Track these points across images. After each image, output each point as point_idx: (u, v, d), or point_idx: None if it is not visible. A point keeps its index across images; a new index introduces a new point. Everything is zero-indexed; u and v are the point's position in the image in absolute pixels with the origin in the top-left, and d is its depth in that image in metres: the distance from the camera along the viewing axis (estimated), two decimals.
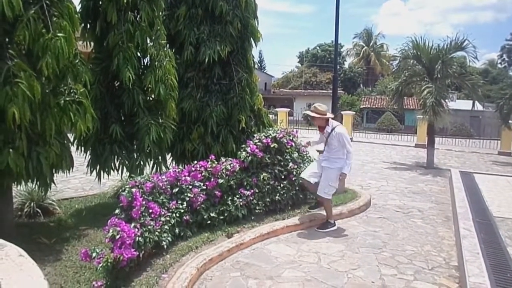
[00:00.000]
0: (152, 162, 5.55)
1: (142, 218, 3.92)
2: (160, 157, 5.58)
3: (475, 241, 4.62)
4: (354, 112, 26.64)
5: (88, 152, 5.38)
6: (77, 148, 5.25)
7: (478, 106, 14.32)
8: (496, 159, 15.70)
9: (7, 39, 3.75)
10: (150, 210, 4.10)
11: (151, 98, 5.44)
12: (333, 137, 5.39)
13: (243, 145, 5.80)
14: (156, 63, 5.15)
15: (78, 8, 4.71)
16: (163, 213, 4.29)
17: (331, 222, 5.57)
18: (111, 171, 5.50)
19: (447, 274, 4.24)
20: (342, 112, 23.12)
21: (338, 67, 9.14)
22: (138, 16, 5.15)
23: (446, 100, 12.29)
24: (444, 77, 12.10)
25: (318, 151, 7.56)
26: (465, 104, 24.15)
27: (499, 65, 57.09)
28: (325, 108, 5.53)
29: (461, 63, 13.40)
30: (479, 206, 6.57)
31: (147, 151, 5.17)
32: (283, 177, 5.84)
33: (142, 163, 5.36)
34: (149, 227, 3.92)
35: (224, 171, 5.22)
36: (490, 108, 26.12)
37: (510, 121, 15.06)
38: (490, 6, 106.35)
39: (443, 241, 5.31)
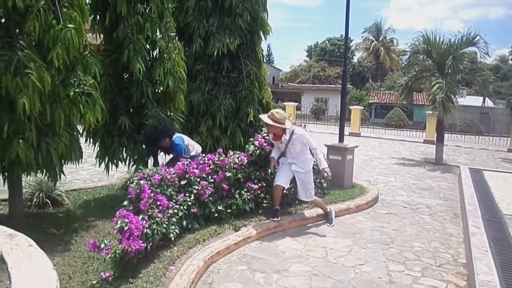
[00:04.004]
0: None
1: (150, 210, 3.93)
2: None
3: (484, 239, 4.58)
4: (363, 107, 26.49)
5: (97, 144, 5.41)
6: (86, 140, 5.27)
7: (489, 103, 14.18)
8: (506, 156, 15.55)
9: (17, 30, 3.76)
10: (158, 202, 4.10)
11: (159, 90, 5.45)
12: (294, 140, 5.18)
13: (251, 139, 5.78)
14: (165, 55, 5.16)
15: None
16: (171, 205, 4.30)
17: (328, 212, 5.61)
18: (120, 163, 5.52)
19: (455, 271, 4.21)
20: (351, 107, 23.05)
21: (347, 61, 9.08)
22: (148, 8, 5.14)
23: (456, 96, 12.18)
24: (455, 72, 11.99)
25: (326, 145, 7.55)
26: (475, 101, 23.90)
27: (510, 61, 56.28)
28: (284, 116, 5.16)
29: (472, 59, 13.24)
30: (488, 203, 6.52)
31: None
32: None
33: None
34: (157, 219, 3.93)
35: (232, 164, 5.21)
36: (500, 104, 25.88)
37: None
38: (501, 2, 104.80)
39: (451, 238, 5.27)
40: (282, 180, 5.27)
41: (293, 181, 5.42)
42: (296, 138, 5.18)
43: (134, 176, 4.38)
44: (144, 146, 5.36)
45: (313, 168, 5.57)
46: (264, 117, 5.25)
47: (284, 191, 5.53)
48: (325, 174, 5.50)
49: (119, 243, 3.46)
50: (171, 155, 5.48)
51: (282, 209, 5.49)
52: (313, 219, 5.59)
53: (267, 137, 5.59)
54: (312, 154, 5.43)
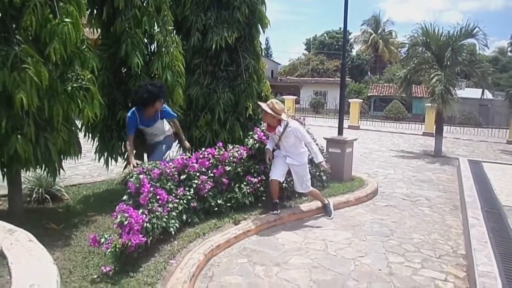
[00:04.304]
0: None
1: (150, 205, 3.94)
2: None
3: (484, 230, 4.60)
4: (362, 100, 26.46)
5: (96, 139, 5.40)
6: (85, 135, 5.26)
7: (488, 95, 14.17)
8: (505, 148, 15.58)
9: (14, 25, 3.74)
10: (158, 197, 4.10)
11: None
12: (288, 133, 5.16)
13: (250, 132, 5.77)
14: (163, 49, 5.12)
15: None
16: (170, 199, 4.30)
17: (326, 204, 5.61)
18: (119, 158, 5.52)
19: (455, 262, 4.23)
20: (350, 100, 23.02)
21: (345, 54, 9.06)
22: (145, 1, 5.10)
23: (455, 88, 12.17)
24: (454, 64, 11.97)
25: (325, 138, 7.55)
26: (473, 93, 23.89)
27: (509, 53, 56.09)
28: (282, 108, 5.21)
29: (471, 51, 13.21)
30: (488, 195, 6.53)
31: None
32: None
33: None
34: (157, 213, 3.93)
35: (231, 158, 5.20)
36: (499, 96, 25.86)
37: None
38: None
39: (450, 229, 5.29)
40: (277, 174, 5.26)
41: (290, 173, 5.42)
42: (290, 131, 5.16)
43: (134, 170, 4.37)
44: (134, 109, 4.92)
45: (311, 159, 5.59)
46: (263, 105, 5.23)
47: (284, 184, 5.54)
48: (322, 168, 5.52)
49: (119, 238, 3.46)
50: (151, 132, 5.14)
51: (281, 202, 5.50)
52: (313, 212, 5.59)
53: (266, 131, 5.58)
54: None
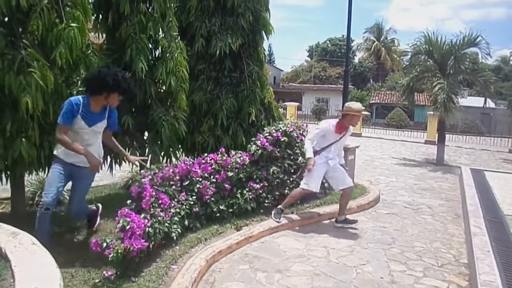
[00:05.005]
0: (163, 154, 5.56)
1: (152, 209, 3.94)
2: (171, 149, 5.58)
3: (486, 239, 4.59)
4: (364, 107, 26.45)
5: None
6: None
7: (490, 103, 14.18)
8: (507, 157, 15.54)
9: (21, 29, 3.78)
10: (160, 201, 4.11)
11: (162, 90, 5.44)
12: (348, 134, 5.43)
13: (253, 138, 5.78)
14: (168, 54, 5.14)
15: None
16: (173, 204, 4.31)
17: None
18: (123, 162, 5.52)
19: (457, 271, 4.21)
20: None
21: (348, 61, 9.11)
22: (151, 7, 5.13)
23: (458, 97, 12.18)
24: (456, 73, 12.00)
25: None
26: (476, 101, 23.89)
27: (511, 62, 56.15)
28: None
29: (473, 60, 13.24)
30: (490, 203, 6.52)
31: (159, 143, 5.18)
32: (292, 171, 5.81)
33: (154, 155, 5.38)
34: (159, 218, 3.93)
35: (234, 164, 5.21)
36: (501, 105, 25.88)
37: None
38: (503, 3, 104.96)
39: (452, 238, 5.27)
40: (316, 186, 5.29)
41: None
42: (350, 130, 5.45)
43: (136, 175, 4.38)
44: (81, 97, 3.62)
45: None
46: (361, 113, 5.28)
47: (285, 191, 5.54)
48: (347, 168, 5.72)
49: (121, 242, 3.46)
50: (86, 138, 3.75)
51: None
52: (315, 219, 5.59)
53: (268, 137, 5.60)
54: None
